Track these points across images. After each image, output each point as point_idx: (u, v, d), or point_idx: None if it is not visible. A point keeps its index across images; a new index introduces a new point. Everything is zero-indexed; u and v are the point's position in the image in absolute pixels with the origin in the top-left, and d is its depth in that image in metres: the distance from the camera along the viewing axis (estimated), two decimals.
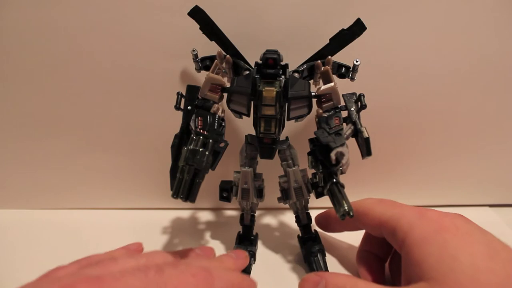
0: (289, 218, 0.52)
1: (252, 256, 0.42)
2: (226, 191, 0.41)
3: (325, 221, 0.44)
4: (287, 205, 0.42)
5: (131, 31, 0.42)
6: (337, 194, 0.33)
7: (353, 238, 0.43)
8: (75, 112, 0.47)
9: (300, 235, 0.44)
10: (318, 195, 0.41)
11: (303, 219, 0.42)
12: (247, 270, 0.40)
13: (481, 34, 0.44)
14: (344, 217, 0.32)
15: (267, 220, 0.53)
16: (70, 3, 0.40)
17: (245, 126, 0.46)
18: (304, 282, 0.34)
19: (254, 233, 0.44)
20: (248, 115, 0.37)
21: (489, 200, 0.56)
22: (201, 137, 0.34)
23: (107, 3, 0.40)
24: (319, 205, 0.44)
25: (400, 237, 0.32)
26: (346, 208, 0.32)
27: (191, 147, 0.34)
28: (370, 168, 0.50)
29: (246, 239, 0.43)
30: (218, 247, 0.46)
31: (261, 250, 0.45)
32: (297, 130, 0.42)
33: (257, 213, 0.43)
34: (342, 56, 0.38)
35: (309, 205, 0.42)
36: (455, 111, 0.48)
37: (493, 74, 0.46)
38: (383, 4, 0.41)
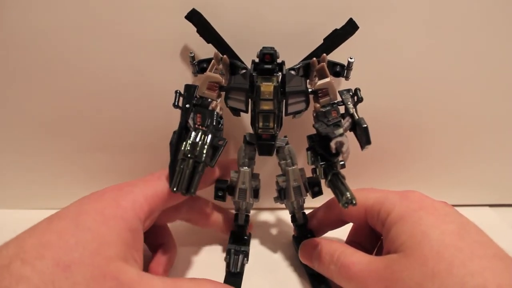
0: (283, 218, 0.53)
1: (246, 256, 0.42)
2: (221, 190, 0.41)
3: (310, 224, 0.44)
4: (280, 205, 0.42)
5: (129, 31, 0.42)
6: (338, 184, 0.33)
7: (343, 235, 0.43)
8: (75, 113, 0.47)
9: (295, 235, 0.44)
10: (314, 194, 0.41)
11: (299, 219, 0.42)
12: (240, 270, 0.40)
13: (484, 33, 0.44)
14: (347, 205, 0.32)
15: (261, 219, 0.53)
16: (70, 4, 0.41)
17: (243, 128, 0.47)
18: (303, 246, 0.40)
19: (247, 233, 0.44)
20: (247, 111, 0.37)
21: (489, 200, 0.56)
22: (200, 131, 0.34)
23: (106, 4, 0.41)
24: (315, 205, 0.44)
25: (383, 217, 0.34)
26: (348, 195, 0.31)
27: (191, 140, 0.34)
28: (367, 169, 0.50)
29: (240, 239, 0.43)
30: (212, 245, 0.46)
31: (255, 250, 0.45)
32: (295, 132, 0.42)
33: (251, 212, 0.44)
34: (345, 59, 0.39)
35: (305, 204, 0.42)
36: (455, 111, 0.49)
37: (494, 74, 0.47)
38: (381, 5, 0.42)
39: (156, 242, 0.41)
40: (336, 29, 0.39)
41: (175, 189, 0.32)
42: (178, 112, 0.37)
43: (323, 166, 0.35)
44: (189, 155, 0.33)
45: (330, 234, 0.44)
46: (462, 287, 0.26)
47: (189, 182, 0.33)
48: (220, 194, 0.41)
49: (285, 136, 0.40)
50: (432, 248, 0.29)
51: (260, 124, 0.36)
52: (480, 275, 0.26)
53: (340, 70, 0.40)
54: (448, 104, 0.48)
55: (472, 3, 0.42)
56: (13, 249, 0.26)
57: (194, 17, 0.39)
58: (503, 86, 0.48)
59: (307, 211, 0.43)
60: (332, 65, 0.40)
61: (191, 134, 0.34)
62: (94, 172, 0.51)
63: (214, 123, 0.36)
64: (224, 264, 0.42)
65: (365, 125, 0.34)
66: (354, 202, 0.31)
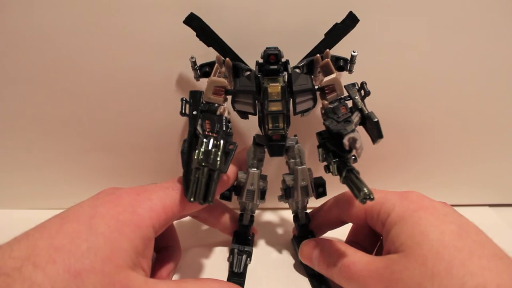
0: (285, 217, 0.52)
1: (249, 256, 0.41)
2: (227, 190, 0.40)
3: (310, 224, 0.43)
4: (282, 204, 0.42)
5: (131, 32, 0.42)
6: (354, 180, 0.32)
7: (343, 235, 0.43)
8: (76, 113, 0.46)
9: (296, 234, 0.44)
10: (319, 195, 0.41)
11: (301, 219, 0.42)
12: (243, 270, 0.40)
13: (484, 33, 0.45)
14: (365, 201, 0.31)
15: (263, 219, 0.52)
16: (71, 5, 0.40)
17: (250, 129, 0.46)
18: (304, 246, 0.39)
19: (251, 234, 0.43)
20: (255, 114, 0.37)
21: (489, 200, 0.56)
22: (211, 139, 0.33)
23: (108, 5, 0.40)
24: (315, 206, 0.44)
25: (383, 218, 0.34)
26: (366, 191, 0.31)
27: (203, 148, 0.33)
28: (367, 168, 0.48)
29: (243, 239, 0.42)
30: (215, 246, 0.46)
31: (257, 249, 0.45)
32: (301, 129, 0.42)
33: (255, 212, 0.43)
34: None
35: (308, 205, 0.42)
36: (455, 111, 0.49)
37: (494, 74, 0.47)
38: (382, 4, 0.42)
39: (162, 244, 0.40)
40: (336, 23, 0.39)
41: (192, 199, 0.31)
42: (178, 111, 0.36)
43: (336, 162, 0.34)
44: (203, 164, 0.32)
45: (330, 234, 0.44)
46: (462, 287, 0.26)
47: (206, 191, 0.32)
48: (226, 194, 0.41)
49: (295, 135, 0.40)
50: (432, 248, 0.29)
51: (270, 125, 0.36)
52: (479, 275, 0.26)
53: (344, 64, 0.40)
54: (448, 104, 0.49)
55: (473, 4, 0.43)
56: (25, 249, 0.26)
57: (192, 21, 0.39)
58: (503, 86, 0.48)
59: (307, 211, 0.43)
60: (335, 59, 0.40)
61: (202, 141, 0.33)
62: (95, 172, 0.50)
63: (224, 128, 0.35)
64: (227, 264, 0.41)
65: (376, 119, 0.34)
66: (372, 197, 0.31)
